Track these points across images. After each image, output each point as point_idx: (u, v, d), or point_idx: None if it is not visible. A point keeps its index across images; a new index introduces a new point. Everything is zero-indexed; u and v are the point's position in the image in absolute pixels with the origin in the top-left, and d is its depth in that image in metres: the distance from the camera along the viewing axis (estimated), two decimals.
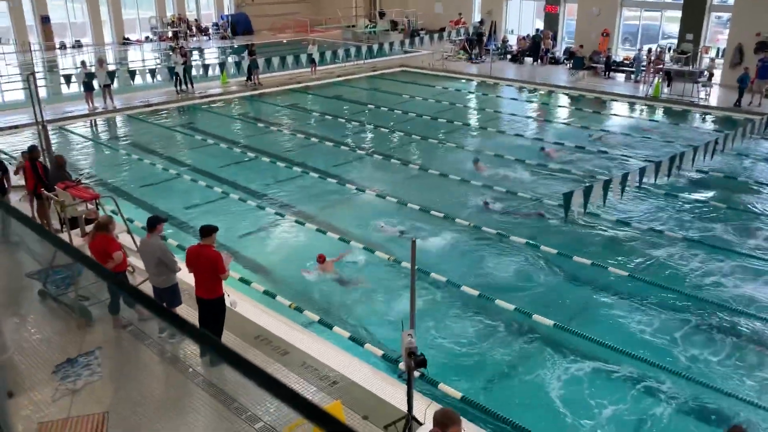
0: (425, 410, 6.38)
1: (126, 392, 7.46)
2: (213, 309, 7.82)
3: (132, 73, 22.91)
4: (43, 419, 6.63)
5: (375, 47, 29.21)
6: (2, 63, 30.63)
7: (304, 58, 26.26)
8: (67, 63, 30.85)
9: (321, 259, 10.46)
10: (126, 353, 8.37)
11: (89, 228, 10.08)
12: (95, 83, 20.99)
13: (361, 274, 10.51)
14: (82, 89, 21.02)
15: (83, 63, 22.18)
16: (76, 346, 8.10)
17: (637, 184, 13.04)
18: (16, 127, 19.07)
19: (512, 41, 31.73)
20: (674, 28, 27.16)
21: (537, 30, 30.82)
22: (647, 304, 9.65)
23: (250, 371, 0.77)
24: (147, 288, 8.94)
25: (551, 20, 30.67)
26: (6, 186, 11.43)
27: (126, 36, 36.98)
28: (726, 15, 25.66)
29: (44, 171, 11.27)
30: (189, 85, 23.51)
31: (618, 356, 8.25)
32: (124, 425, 6.75)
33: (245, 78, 25.13)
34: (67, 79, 21.51)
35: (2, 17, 33.33)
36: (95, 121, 20.89)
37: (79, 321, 8.77)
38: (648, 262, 10.97)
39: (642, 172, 12.48)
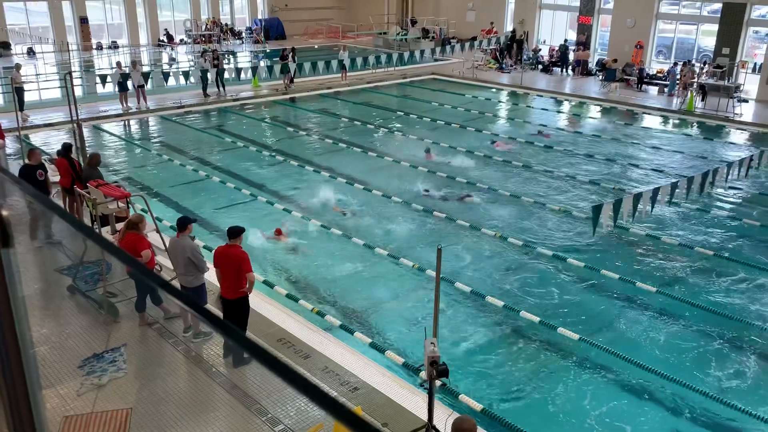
0: (446, 420, 6.33)
1: (149, 390, 7.54)
2: (237, 308, 7.89)
3: (165, 75, 23.28)
4: (69, 413, 6.74)
5: (406, 54, 29.27)
6: (41, 62, 31.38)
7: (335, 63, 26.42)
8: (103, 63, 31.47)
9: (278, 232, 12.06)
10: (151, 351, 8.47)
11: (119, 226, 10.24)
12: (129, 84, 21.37)
13: (305, 244, 11.68)
14: (116, 89, 21.41)
15: (118, 64, 22.61)
16: (103, 342, 8.22)
17: (668, 200, 12.82)
18: (51, 124, 19.49)
19: (544, 51, 31.55)
20: (710, 42, 26.76)
21: (566, 40, 30.60)
22: (676, 321, 9.47)
23: (280, 369, 0.77)
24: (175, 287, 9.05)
25: (584, 31, 30.43)
26: (49, 187, 11.60)
27: (161, 38, 37.62)
28: (764, 30, 25.21)
29: (79, 168, 11.50)
30: (221, 89, 23.79)
31: (643, 373, 8.11)
32: (147, 422, 6.82)
33: (289, 81, 25.39)
34: (103, 79, 21.94)
35: (43, 17, 34.16)
36: (128, 121, 21.26)
37: (106, 317, 8.90)
38: (677, 278, 10.78)
39: (674, 187, 12.28)
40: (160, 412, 6.97)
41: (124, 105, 21.38)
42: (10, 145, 16.48)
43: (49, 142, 17.80)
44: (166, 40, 37.11)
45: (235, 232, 7.85)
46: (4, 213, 0.88)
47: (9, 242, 0.89)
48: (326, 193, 14.14)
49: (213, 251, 8.14)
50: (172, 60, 32.00)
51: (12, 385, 0.93)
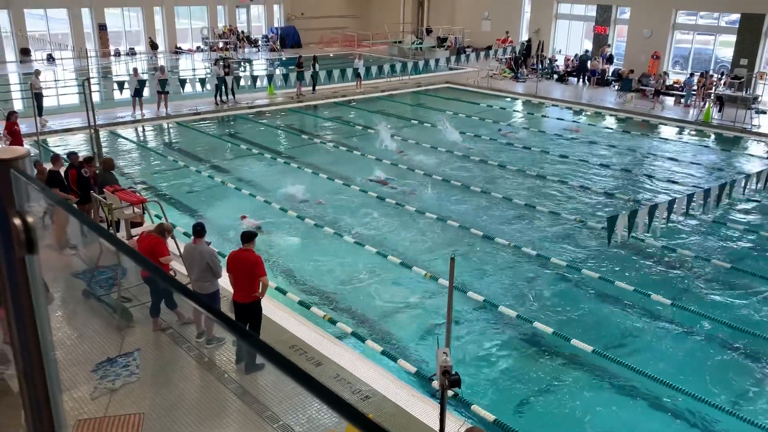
0: (458, 430, 6.30)
1: (162, 395, 7.57)
2: (250, 313, 7.95)
3: (182, 82, 23.51)
4: (82, 416, 6.78)
5: (421, 63, 29.33)
6: (60, 68, 31.79)
7: (349, 71, 26.53)
8: (120, 70, 31.82)
9: (243, 218, 12.94)
10: (164, 356, 8.51)
11: (134, 231, 10.33)
12: (146, 90, 21.59)
13: (315, 250, 11.92)
14: (131, 94, 21.63)
15: (135, 70, 22.86)
16: (116, 347, 8.27)
17: (684, 212, 12.72)
18: (69, 130, 19.72)
19: (560, 61, 31.48)
20: (727, 53, 26.59)
21: (586, 51, 30.53)
22: (691, 334, 9.37)
23: (295, 372, 0.77)
24: None
25: (600, 41, 30.35)
26: (93, 179, 11.53)
27: (178, 45, 37.98)
28: None
29: (94, 177, 11.55)
30: (231, 96, 23.92)
31: (658, 386, 8.02)
32: (159, 427, 6.84)
33: (302, 89, 25.62)
34: (120, 85, 22.18)
35: (63, 24, 34.63)
36: (144, 127, 21.44)
37: (120, 322, 8.96)
38: (693, 290, 10.68)
39: (690, 198, 12.19)
40: (172, 418, 6.99)
41: (139, 111, 21.58)
42: (30, 149, 16.67)
43: (68, 146, 17.98)
44: (150, 49, 36.60)
45: (249, 237, 7.93)
46: (30, 219, 0.89)
47: (33, 249, 0.91)
48: (336, 200, 14.16)
49: (226, 256, 8.17)
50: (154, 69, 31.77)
51: (34, 389, 0.95)
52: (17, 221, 0.86)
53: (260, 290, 7.88)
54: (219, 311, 0.94)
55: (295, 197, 14.42)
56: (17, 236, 0.86)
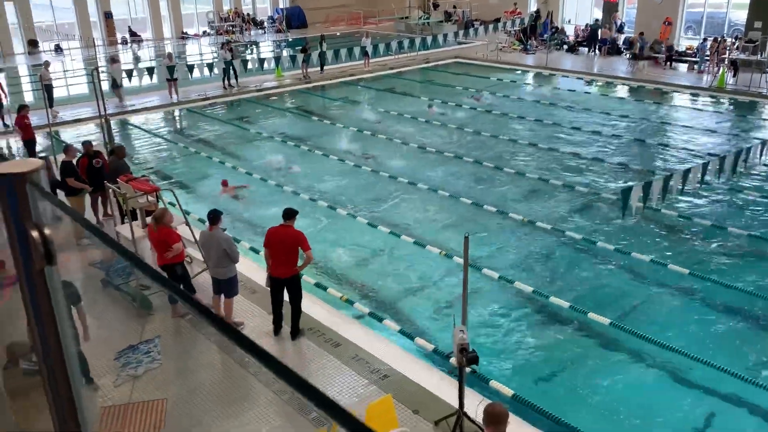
0: (477, 406, 6.34)
1: (183, 380, 7.68)
2: (291, 286, 8.16)
3: (190, 68, 23.48)
4: (106, 404, 6.90)
5: (429, 39, 29.03)
6: (68, 58, 31.84)
7: (357, 50, 26.32)
8: (128, 58, 31.81)
9: (224, 183, 13.71)
10: (184, 342, 8.61)
11: (149, 219, 10.39)
12: (155, 77, 21.60)
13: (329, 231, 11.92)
14: (166, 78, 21.71)
15: (169, 55, 22.73)
16: (137, 334, 8.39)
17: (700, 180, 12.58)
18: (80, 120, 19.81)
19: (569, 31, 31.04)
20: (741, 15, 26.06)
21: (596, 20, 30.06)
22: (710, 303, 9.33)
23: (270, 362, 0.78)
24: (205, 279, 9.19)
25: (610, 9, 29.86)
26: (107, 170, 11.55)
27: (184, 30, 37.87)
28: None
29: (107, 165, 11.61)
30: (234, 80, 23.86)
31: (676, 356, 8.01)
32: (182, 412, 6.96)
33: (319, 69, 25.64)
34: (129, 73, 22.20)
35: (69, 13, 34.61)
36: (155, 114, 21.48)
37: (140, 309, 9.07)
38: (710, 259, 10.60)
39: (705, 167, 12.04)
40: (194, 402, 7.11)
41: (175, 95, 21.78)
42: (41, 141, 16.78)
43: (81, 136, 18.08)
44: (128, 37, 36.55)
45: (290, 213, 8.12)
46: (47, 231, 0.90)
47: (52, 260, 0.92)
48: (348, 180, 14.16)
49: (266, 231, 8.24)
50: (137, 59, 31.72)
51: (58, 396, 0.96)
52: (35, 233, 0.87)
53: (301, 263, 8.07)
54: (189, 296, 0.96)
55: (297, 177, 14.48)
56: (36, 248, 0.87)
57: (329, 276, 10.43)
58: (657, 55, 25.99)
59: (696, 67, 24.70)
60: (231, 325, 0.84)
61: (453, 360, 7.04)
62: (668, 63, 25.64)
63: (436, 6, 38.13)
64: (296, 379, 0.76)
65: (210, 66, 23.60)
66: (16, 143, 17.10)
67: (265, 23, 40.52)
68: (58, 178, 11.44)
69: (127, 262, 0.96)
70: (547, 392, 7.61)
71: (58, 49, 33.36)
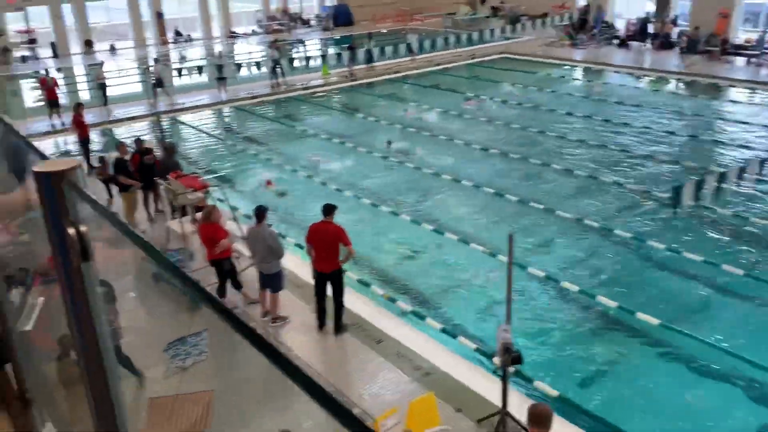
0: (520, 406, 6.27)
1: (230, 373, 7.82)
2: (335, 280, 8.25)
3: (238, 66, 23.88)
4: (155, 395, 7.09)
5: (475, 35, 28.75)
6: (122, 58, 32.77)
7: (403, 47, 26.26)
8: (175, 57, 32.51)
9: (269, 183, 14.18)
10: (231, 336, 8.75)
11: (198, 216, 10.62)
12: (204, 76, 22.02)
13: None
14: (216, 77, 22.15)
15: (219, 54, 23.23)
16: (186, 327, 8.58)
17: (756, 177, 12.14)
18: (134, 117, 20.37)
19: (619, 25, 30.31)
20: None
21: (647, 13, 29.27)
22: (765, 306, 8.99)
23: (277, 357, 0.78)
24: (251, 273, 9.35)
25: (663, 1, 29.01)
26: (158, 167, 11.89)
27: (233, 29, 38.50)
28: None
29: (158, 164, 11.91)
30: (282, 78, 24.12)
31: (729, 358, 7.75)
32: (229, 405, 7.09)
33: (368, 65, 25.84)
34: (179, 72, 22.71)
35: (123, 14, 35.63)
36: (204, 112, 21.90)
37: (189, 303, 9.27)
38: (767, 260, 10.22)
39: (762, 164, 11.61)
40: (240, 394, 7.23)
41: (224, 93, 22.14)
42: (97, 138, 17.32)
43: (134, 133, 18.59)
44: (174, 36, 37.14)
45: (329, 209, 8.21)
46: (83, 229, 0.93)
47: (88, 257, 0.94)
48: (392, 177, 14.15)
49: (308, 228, 8.35)
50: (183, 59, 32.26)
51: (96, 389, 1.00)
52: (72, 231, 0.90)
53: (342, 258, 8.14)
54: (203, 289, 0.97)
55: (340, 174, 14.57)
56: (72, 246, 0.90)
57: (372, 273, 10.46)
58: (712, 48, 25.10)
59: (754, 60, 23.78)
60: (226, 306, 0.85)
61: (496, 359, 6.98)
62: (723, 56, 24.70)
63: (483, 1, 37.76)
64: (285, 361, 0.76)
65: (258, 64, 23.94)
66: (70, 142, 17.68)
67: (312, 21, 40.83)
68: (112, 174, 11.80)
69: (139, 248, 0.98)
70: (593, 393, 7.47)
71: (112, 49, 34.36)
